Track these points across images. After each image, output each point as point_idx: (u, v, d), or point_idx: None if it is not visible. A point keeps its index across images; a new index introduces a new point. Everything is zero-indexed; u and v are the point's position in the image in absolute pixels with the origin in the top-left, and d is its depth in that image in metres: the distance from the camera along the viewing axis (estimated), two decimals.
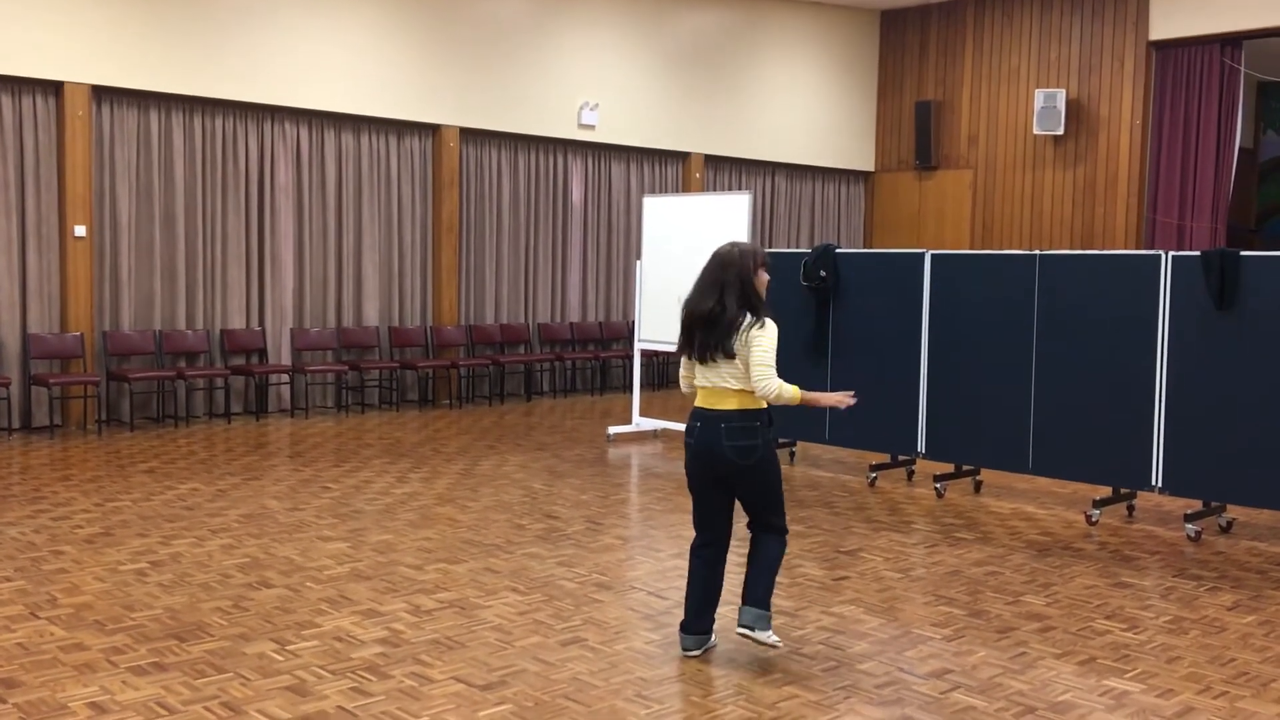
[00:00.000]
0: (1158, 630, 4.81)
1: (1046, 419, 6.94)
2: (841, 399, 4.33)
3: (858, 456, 8.96)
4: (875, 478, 8.00)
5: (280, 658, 4.26)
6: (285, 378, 10.82)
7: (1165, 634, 4.76)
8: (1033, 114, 14.11)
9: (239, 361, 10.60)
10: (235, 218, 10.53)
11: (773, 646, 4.29)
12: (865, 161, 15.90)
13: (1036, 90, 14.02)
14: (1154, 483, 6.54)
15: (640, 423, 9.91)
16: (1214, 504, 6.70)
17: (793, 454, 8.85)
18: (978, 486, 7.80)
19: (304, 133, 10.89)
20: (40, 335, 9.41)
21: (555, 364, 12.75)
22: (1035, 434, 7.00)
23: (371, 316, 11.45)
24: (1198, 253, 6.39)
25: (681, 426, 9.76)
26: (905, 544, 6.24)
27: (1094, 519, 6.83)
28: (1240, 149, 13.26)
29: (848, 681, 4.14)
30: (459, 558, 5.73)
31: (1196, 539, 6.44)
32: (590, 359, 12.87)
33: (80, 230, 9.53)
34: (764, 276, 4.30)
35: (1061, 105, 13.76)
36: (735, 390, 4.19)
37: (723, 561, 4.39)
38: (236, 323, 10.60)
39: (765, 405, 4.23)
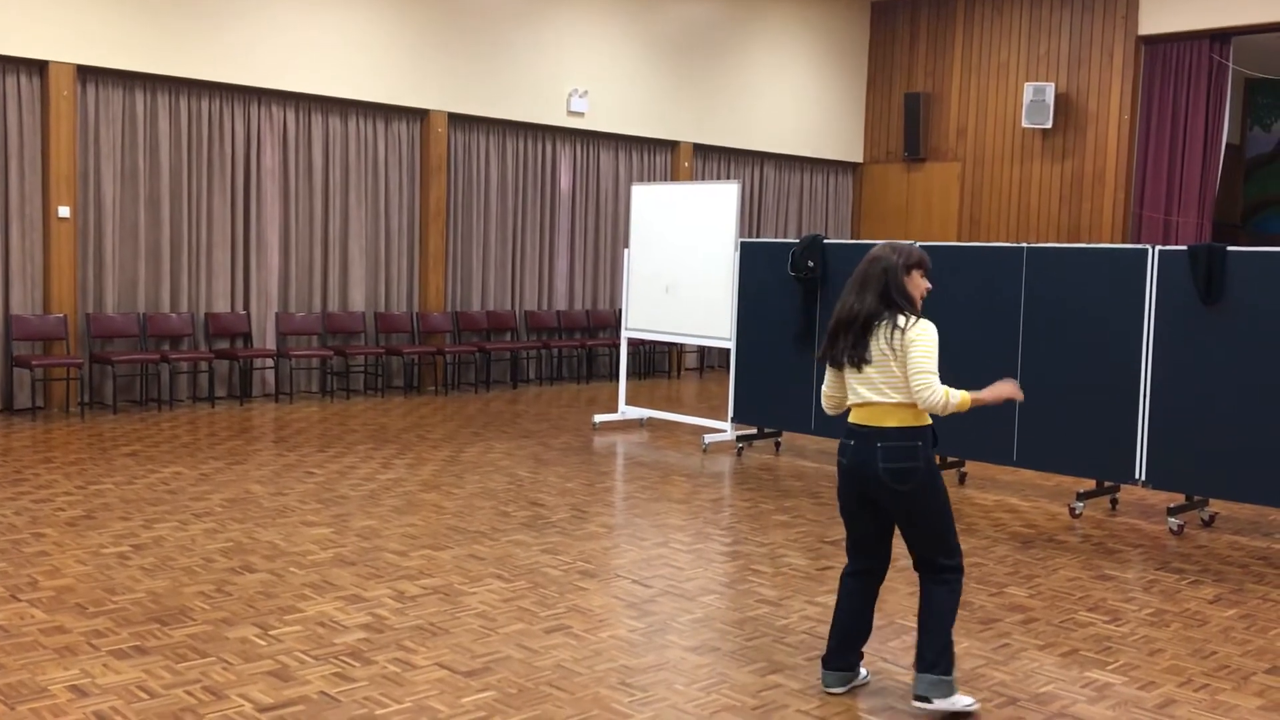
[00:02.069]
0: (1140, 623, 4.83)
1: (1031, 411, 6.96)
2: (1013, 391, 3.85)
3: None
4: None
5: (263, 642, 4.25)
6: (270, 362, 10.78)
7: (1147, 626, 4.78)
8: (1021, 107, 14.13)
9: (223, 345, 10.55)
10: (221, 201, 10.46)
11: (965, 714, 3.76)
12: (854, 152, 15.90)
13: (1025, 84, 14.04)
14: (1137, 476, 6.56)
15: (626, 411, 9.90)
16: (1196, 498, 6.74)
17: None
18: (962, 478, 7.82)
19: (291, 116, 10.82)
20: (23, 316, 9.34)
21: (542, 351, 12.73)
22: (1020, 426, 7.02)
23: (357, 302, 11.40)
24: (1184, 247, 6.41)
25: (667, 415, 9.78)
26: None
27: (1077, 512, 6.86)
28: (1227, 145, 13.31)
29: None
30: (443, 544, 5.71)
31: (1179, 533, 6.47)
32: (577, 347, 12.85)
33: (64, 211, 9.46)
34: (920, 281, 3.81)
35: (1050, 99, 13.78)
36: (894, 404, 3.72)
37: (874, 595, 3.95)
38: (221, 306, 10.54)
39: (929, 422, 3.76)
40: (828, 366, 3.91)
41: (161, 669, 3.95)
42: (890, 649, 4.39)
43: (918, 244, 4.01)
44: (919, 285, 3.80)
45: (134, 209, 9.99)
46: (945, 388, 3.67)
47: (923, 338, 3.67)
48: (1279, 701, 3.99)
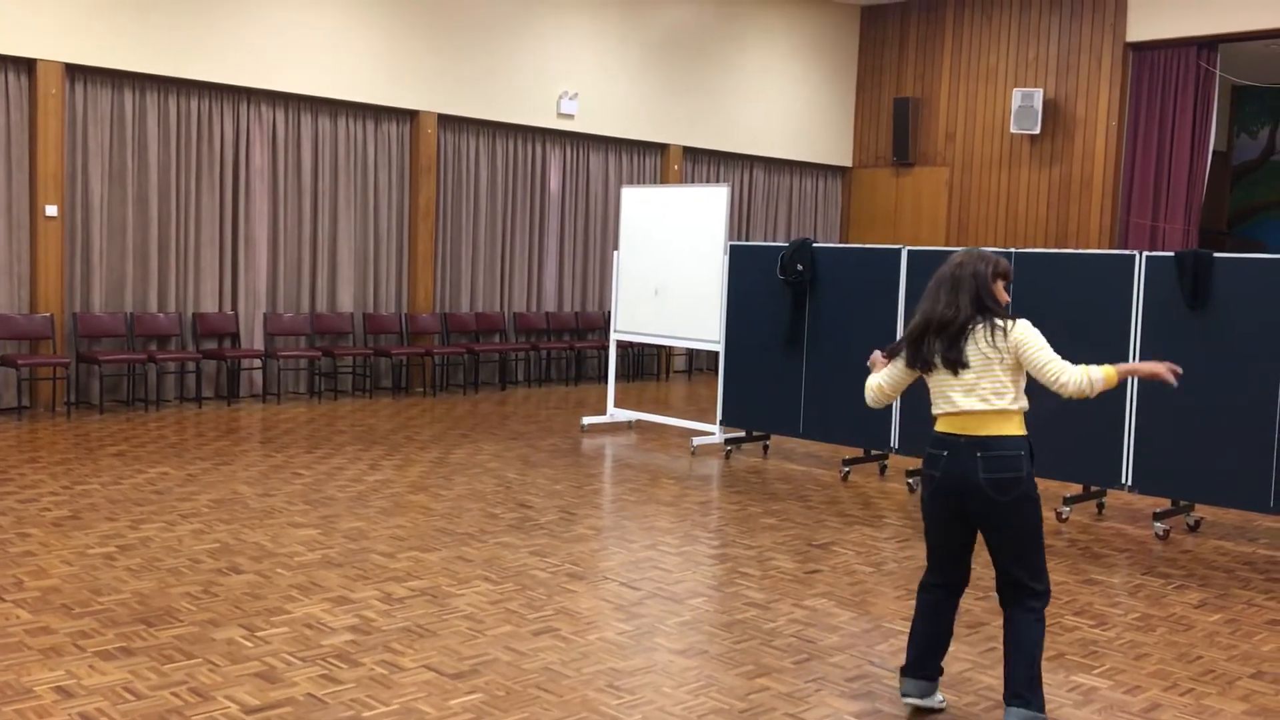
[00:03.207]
0: (1126, 627, 4.85)
1: None
2: (1165, 372, 3.73)
3: (831, 450, 8.99)
4: (848, 472, 8.03)
5: (249, 644, 4.23)
6: (258, 362, 10.75)
7: (1133, 631, 4.80)
8: (1010, 113, 14.17)
9: (211, 345, 10.51)
10: (209, 200, 10.43)
11: None
12: (843, 157, 15.93)
13: (1014, 89, 14.08)
14: (1124, 481, 6.59)
15: (615, 413, 9.90)
16: (1182, 503, 6.77)
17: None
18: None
19: (280, 116, 10.80)
20: (9, 315, 9.29)
21: (530, 353, 12.72)
22: None
23: (346, 302, 11.38)
24: (1171, 254, 6.44)
25: (656, 418, 9.78)
26: (877, 538, 6.27)
27: (1064, 516, 6.88)
28: (1214, 152, 13.37)
29: (818, 674, 4.15)
30: (431, 546, 5.71)
31: (1165, 537, 6.50)
32: (566, 349, 12.84)
33: (51, 210, 9.42)
34: (1003, 292, 3.72)
35: (1038, 105, 13.83)
36: (994, 411, 3.60)
37: (955, 608, 3.82)
38: (209, 306, 10.51)
39: (1025, 432, 3.66)
40: (901, 365, 3.79)
41: (148, 670, 3.94)
42: (878, 652, 4.40)
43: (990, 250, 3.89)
44: (1002, 296, 3.71)
45: (122, 208, 9.95)
46: (1083, 366, 3.58)
47: (1030, 333, 3.61)
48: (1264, 706, 4.01)
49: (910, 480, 7.69)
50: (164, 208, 10.18)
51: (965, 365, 3.61)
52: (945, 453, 3.65)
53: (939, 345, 3.64)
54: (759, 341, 8.52)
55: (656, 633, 4.53)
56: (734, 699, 3.89)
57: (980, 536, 3.73)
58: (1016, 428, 3.63)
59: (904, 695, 3.84)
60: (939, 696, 3.88)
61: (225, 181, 10.54)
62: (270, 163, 10.80)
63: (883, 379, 3.86)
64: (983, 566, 5.73)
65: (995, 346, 3.59)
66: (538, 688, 3.92)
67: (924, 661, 3.80)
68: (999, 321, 3.62)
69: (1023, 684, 3.55)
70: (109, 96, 9.81)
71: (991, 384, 3.61)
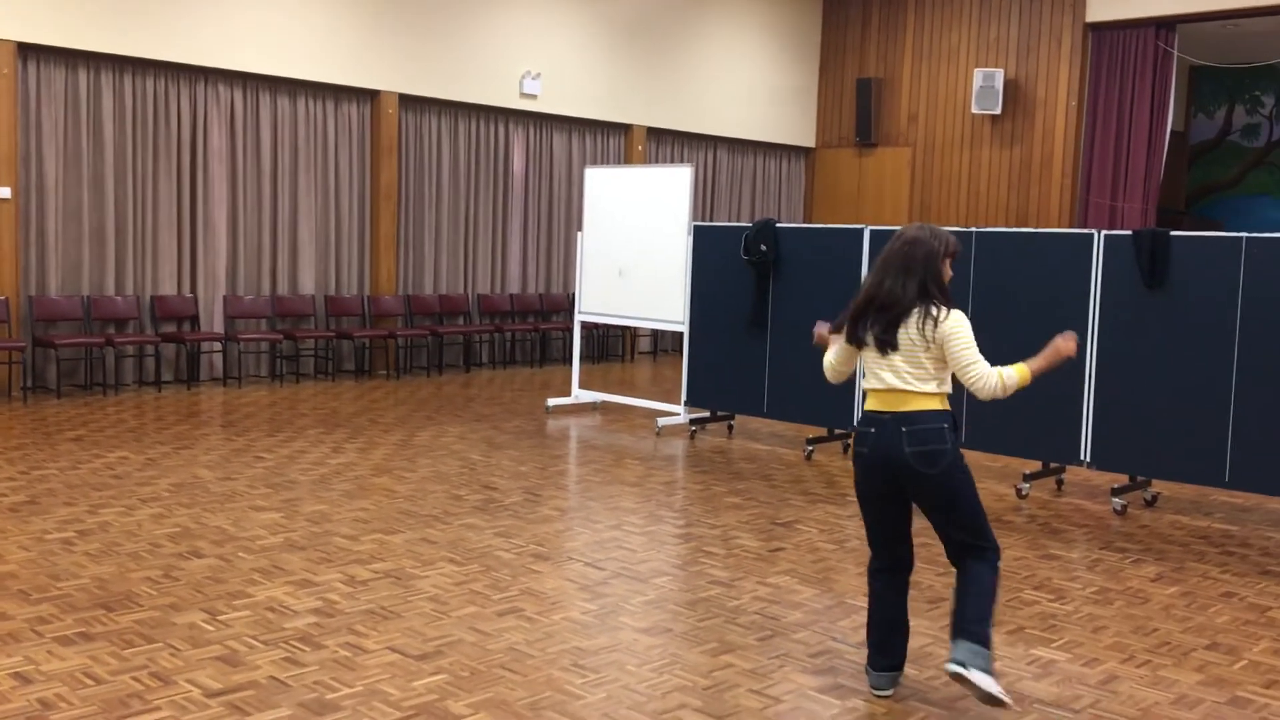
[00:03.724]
0: (1084, 601, 4.91)
1: None
2: (1069, 347, 3.73)
3: (795, 430, 9.04)
4: (812, 451, 8.07)
5: (211, 628, 4.21)
6: (218, 346, 10.64)
7: (1091, 604, 4.87)
8: (971, 93, 14.24)
9: (170, 329, 10.39)
10: (167, 182, 10.30)
11: (995, 701, 3.45)
12: (806, 137, 15.96)
13: (975, 69, 14.15)
14: (1082, 458, 6.67)
15: (579, 395, 9.90)
16: (1140, 479, 6.86)
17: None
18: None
19: (238, 96, 10.66)
20: None
21: (495, 335, 12.68)
22: (968, 409, 7.10)
23: (307, 285, 11.28)
24: (1129, 232, 6.51)
25: (621, 399, 9.78)
26: (840, 516, 6.31)
27: (1024, 492, 6.96)
28: (1172, 131, 13.52)
29: (782, 650, 4.18)
30: (395, 528, 5.69)
31: (1122, 513, 6.59)
32: (530, 331, 12.81)
33: (4, 192, 9.25)
34: (949, 269, 3.73)
35: (999, 85, 13.91)
36: (917, 392, 3.64)
37: (905, 587, 3.82)
38: (168, 289, 10.39)
39: (949, 408, 3.67)
40: (843, 341, 3.82)
41: (108, 655, 3.90)
42: (840, 628, 4.44)
43: (945, 228, 3.90)
44: (946, 274, 3.72)
45: (77, 190, 9.80)
46: (998, 370, 3.61)
47: (959, 328, 3.60)
48: (1218, 676, 4.08)
49: None
50: (120, 189, 10.04)
51: (894, 348, 3.64)
52: (873, 430, 3.69)
53: (876, 326, 3.67)
54: (723, 322, 8.53)
55: (621, 612, 4.54)
56: (698, 676, 3.91)
57: (920, 512, 3.76)
58: (939, 404, 3.66)
59: (874, 688, 3.80)
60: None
61: (183, 163, 10.40)
62: (229, 144, 10.67)
63: (833, 355, 3.91)
64: (920, 545, 5.79)
65: (924, 335, 3.61)
66: (502, 668, 3.92)
67: (886, 649, 3.80)
68: (934, 310, 3.62)
69: (976, 619, 3.53)
70: (63, 76, 9.64)
71: (914, 369, 3.65)
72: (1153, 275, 6.36)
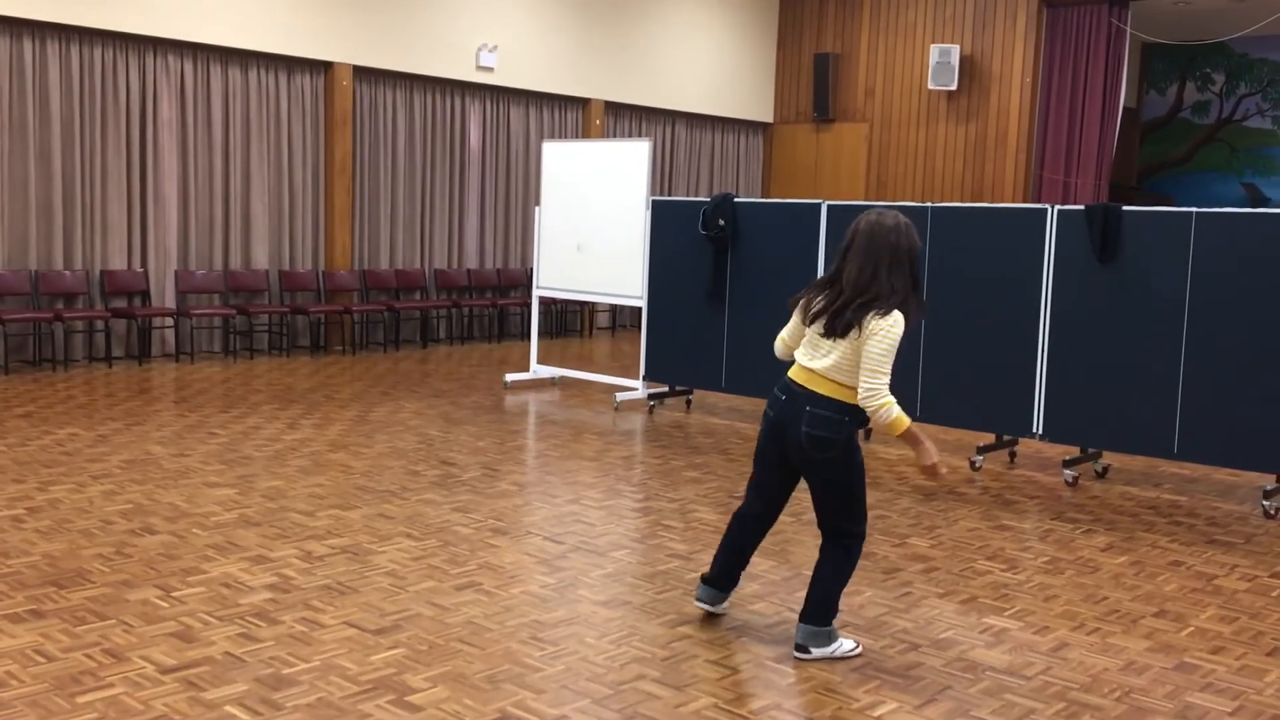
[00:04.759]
0: (1035, 570, 4.99)
1: (934, 368, 7.11)
2: (936, 468, 3.76)
3: (753, 404, 9.08)
4: None
5: (165, 604, 4.17)
6: (169, 321, 10.50)
7: (1042, 574, 4.94)
8: (928, 69, 14.30)
9: (120, 304, 10.24)
10: (116, 155, 10.11)
11: (849, 656, 3.87)
12: (764, 112, 15.96)
13: (932, 45, 14.20)
14: (1035, 430, 6.76)
15: (538, 370, 9.88)
16: (1091, 451, 6.97)
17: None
18: (868, 434, 7.96)
19: (189, 67, 10.48)
20: None
21: (452, 310, 12.61)
22: (924, 382, 7.17)
23: (261, 259, 11.14)
24: (1081, 207, 6.58)
25: (579, 374, 9.78)
26: (796, 489, 6.34)
27: (978, 465, 7.04)
28: (1124, 108, 13.66)
29: (739, 621, 4.21)
30: (352, 504, 5.65)
31: (1074, 484, 6.69)
32: (488, 306, 12.75)
33: None
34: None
35: (955, 61, 13.97)
36: (831, 381, 3.71)
37: (764, 533, 4.12)
38: (117, 263, 10.22)
39: (856, 403, 3.69)
40: (796, 317, 3.90)
41: (59, 632, 3.86)
42: (796, 599, 4.47)
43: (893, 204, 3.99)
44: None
45: (23, 163, 9.60)
46: (890, 400, 3.60)
47: (882, 332, 3.59)
48: (1165, 643, 4.17)
49: None
50: (68, 162, 9.85)
51: (840, 335, 3.68)
52: (784, 398, 3.84)
53: (830, 306, 3.71)
54: (681, 297, 8.53)
55: (579, 585, 4.55)
56: (656, 648, 3.93)
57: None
58: (849, 398, 3.71)
59: (698, 600, 4.20)
60: (725, 604, 4.23)
61: (132, 135, 10.22)
62: (179, 116, 10.49)
63: (786, 332, 3.99)
64: (898, 513, 5.85)
65: (863, 329, 3.63)
66: (460, 641, 3.92)
67: (725, 576, 4.16)
68: (877, 309, 3.63)
69: (815, 602, 3.86)
70: (7, 45, 9.42)
71: (838, 358, 3.70)
72: (1104, 250, 6.43)
